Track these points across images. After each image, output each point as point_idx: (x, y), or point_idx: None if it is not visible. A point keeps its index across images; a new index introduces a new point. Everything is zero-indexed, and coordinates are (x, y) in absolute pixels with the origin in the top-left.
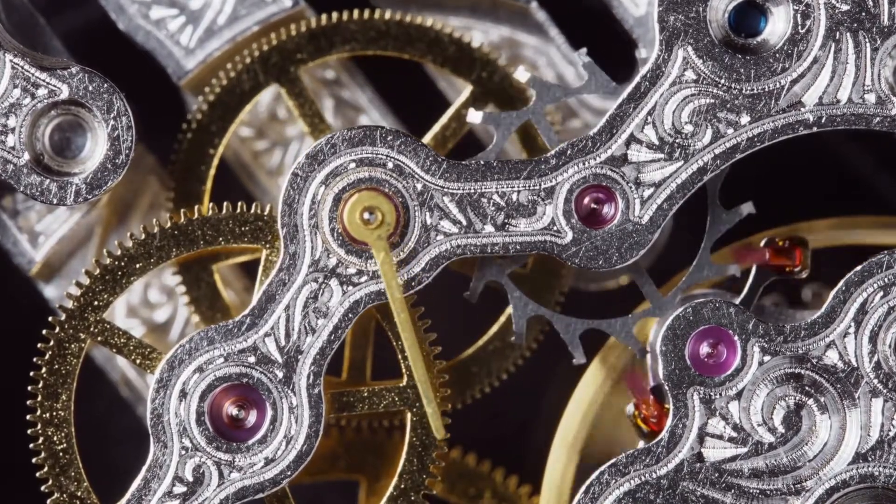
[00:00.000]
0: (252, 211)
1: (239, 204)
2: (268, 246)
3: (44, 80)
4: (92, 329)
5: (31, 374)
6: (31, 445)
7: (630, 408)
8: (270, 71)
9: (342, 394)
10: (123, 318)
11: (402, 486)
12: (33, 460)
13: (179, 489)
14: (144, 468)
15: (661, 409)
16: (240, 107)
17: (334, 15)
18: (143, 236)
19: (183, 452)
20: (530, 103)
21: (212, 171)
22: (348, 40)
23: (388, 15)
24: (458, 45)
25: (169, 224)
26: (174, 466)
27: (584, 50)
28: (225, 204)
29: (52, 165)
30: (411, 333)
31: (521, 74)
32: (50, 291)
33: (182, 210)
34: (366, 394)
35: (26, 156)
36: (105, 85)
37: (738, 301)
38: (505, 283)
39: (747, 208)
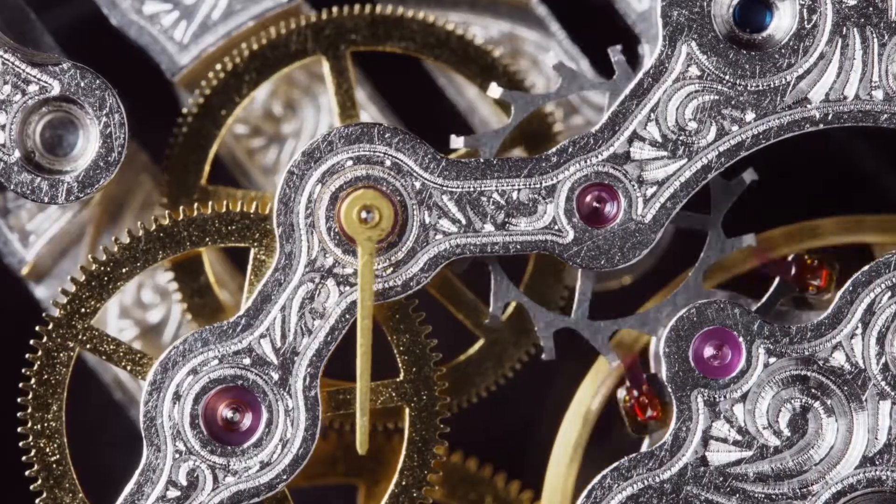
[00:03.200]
0: (238, 209)
1: (224, 203)
2: (255, 245)
3: (35, 77)
4: (80, 337)
5: (21, 384)
6: (24, 458)
7: (621, 392)
8: (321, 41)
9: (338, 392)
10: (116, 319)
11: (404, 482)
12: (27, 473)
13: (173, 493)
14: (137, 472)
15: (653, 397)
16: (279, 65)
17: (399, 8)
18: (128, 240)
19: (177, 456)
20: (557, 88)
21: (206, 168)
22: (405, 38)
23: (450, 26)
24: (510, 79)
25: (154, 226)
26: (168, 470)
27: (618, 47)
28: (210, 203)
29: (44, 163)
30: (367, 340)
31: (550, 58)
32: (41, 292)
33: (167, 211)
34: None
35: (17, 153)
36: (97, 81)
37: (754, 310)
38: (492, 265)
39: (748, 240)
